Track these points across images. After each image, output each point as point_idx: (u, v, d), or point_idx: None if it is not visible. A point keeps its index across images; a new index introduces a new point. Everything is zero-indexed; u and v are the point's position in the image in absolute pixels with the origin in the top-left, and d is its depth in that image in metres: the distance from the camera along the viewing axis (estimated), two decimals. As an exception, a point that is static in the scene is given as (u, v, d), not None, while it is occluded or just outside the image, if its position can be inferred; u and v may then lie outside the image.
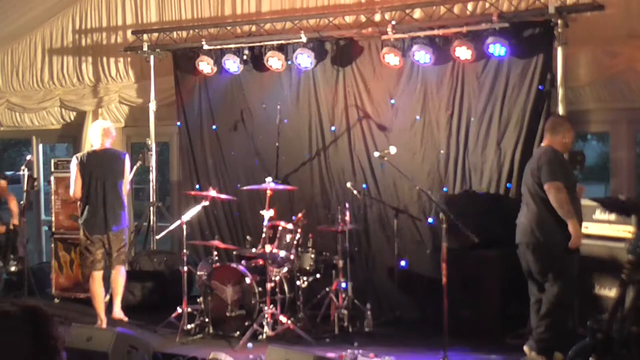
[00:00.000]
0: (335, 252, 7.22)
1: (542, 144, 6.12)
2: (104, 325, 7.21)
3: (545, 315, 5.86)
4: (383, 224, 7.86)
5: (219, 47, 8.34)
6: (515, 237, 6.06)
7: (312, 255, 7.24)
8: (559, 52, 6.85)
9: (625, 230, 6.12)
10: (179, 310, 7.15)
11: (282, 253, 7.05)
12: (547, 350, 5.86)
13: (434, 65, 7.46)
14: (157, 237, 8.70)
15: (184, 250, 7.14)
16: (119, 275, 7.48)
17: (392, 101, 7.82)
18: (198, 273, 7.38)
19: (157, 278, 8.35)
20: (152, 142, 8.95)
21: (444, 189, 7.52)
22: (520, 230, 6.02)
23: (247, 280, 6.91)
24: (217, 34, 8.62)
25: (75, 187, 7.36)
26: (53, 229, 9.01)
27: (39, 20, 10.08)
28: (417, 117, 7.68)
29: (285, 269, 7.10)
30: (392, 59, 7.54)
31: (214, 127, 8.78)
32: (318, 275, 7.31)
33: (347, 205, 7.29)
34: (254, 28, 8.44)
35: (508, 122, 7.25)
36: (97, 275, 7.38)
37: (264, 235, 7.07)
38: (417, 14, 7.71)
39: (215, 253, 7.34)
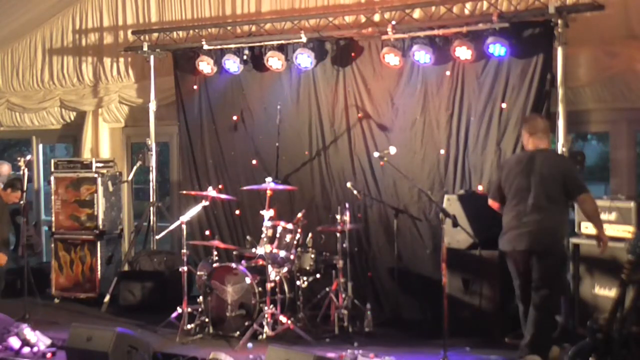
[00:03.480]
0: (335, 252, 7.22)
1: (543, 146, 5.98)
2: None
3: (543, 320, 5.81)
4: (383, 224, 7.86)
5: (219, 47, 8.34)
6: (520, 242, 5.83)
7: (312, 255, 7.24)
8: (559, 52, 6.85)
9: (625, 230, 6.13)
10: (179, 310, 7.15)
11: (282, 253, 7.05)
12: (546, 349, 5.86)
13: (434, 65, 7.46)
14: (157, 237, 8.70)
15: (184, 250, 7.14)
16: None
17: (393, 101, 7.83)
18: (198, 273, 7.39)
19: (157, 278, 8.35)
20: (152, 142, 8.95)
21: (444, 189, 7.52)
22: (532, 236, 5.79)
23: (247, 280, 6.91)
24: (217, 34, 8.62)
25: None
26: (53, 229, 9.03)
27: (39, 20, 10.08)
28: (417, 117, 7.68)
29: (285, 269, 7.10)
30: (392, 59, 7.54)
31: (213, 127, 8.78)
32: (318, 275, 7.31)
33: (347, 205, 7.29)
34: (254, 28, 8.44)
35: (508, 122, 7.25)
36: None
37: (263, 235, 7.08)
38: (417, 14, 7.72)
39: (215, 253, 7.35)
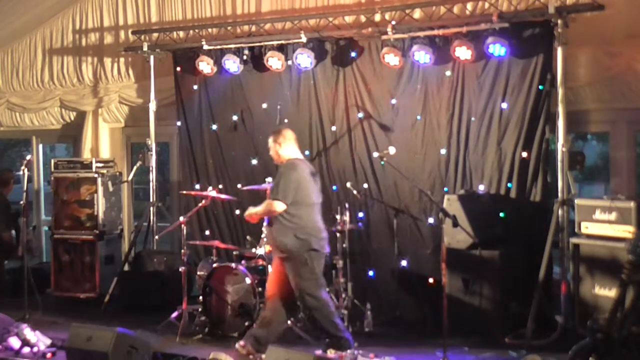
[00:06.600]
0: (335, 252, 7.22)
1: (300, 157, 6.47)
2: None
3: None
4: (383, 224, 7.86)
5: (219, 47, 8.33)
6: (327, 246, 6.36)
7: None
8: (559, 52, 6.85)
9: (625, 230, 6.12)
10: (179, 310, 7.15)
11: (282, 253, 7.04)
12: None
13: (434, 65, 7.46)
14: (157, 237, 8.70)
15: (184, 250, 7.14)
16: None
17: (393, 101, 7.82)
18: (198, 273, 7.38)
19: (157, 278, 8.35)
20: (152, 142, 8.95)
21: (445, 189, 7.52)
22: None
23: (247, 280, 6.91)
24: (217, 34, 8.62)
25: None
26: (53, 229, 9.03)
27: (39, 20, 10.08)
28: (418, 117, 7.68)
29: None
30: (392, 59, 7.54)
31: (213, 127, 8.78)
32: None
33: (347, 205, 7.28)
34: (254, 28, 8.44)
35: (508, 122, 7.25)
36: None
37: (263, 235, 7.07)
38: (417, 14, 7.71)
39: (215, 253, 7.34)
